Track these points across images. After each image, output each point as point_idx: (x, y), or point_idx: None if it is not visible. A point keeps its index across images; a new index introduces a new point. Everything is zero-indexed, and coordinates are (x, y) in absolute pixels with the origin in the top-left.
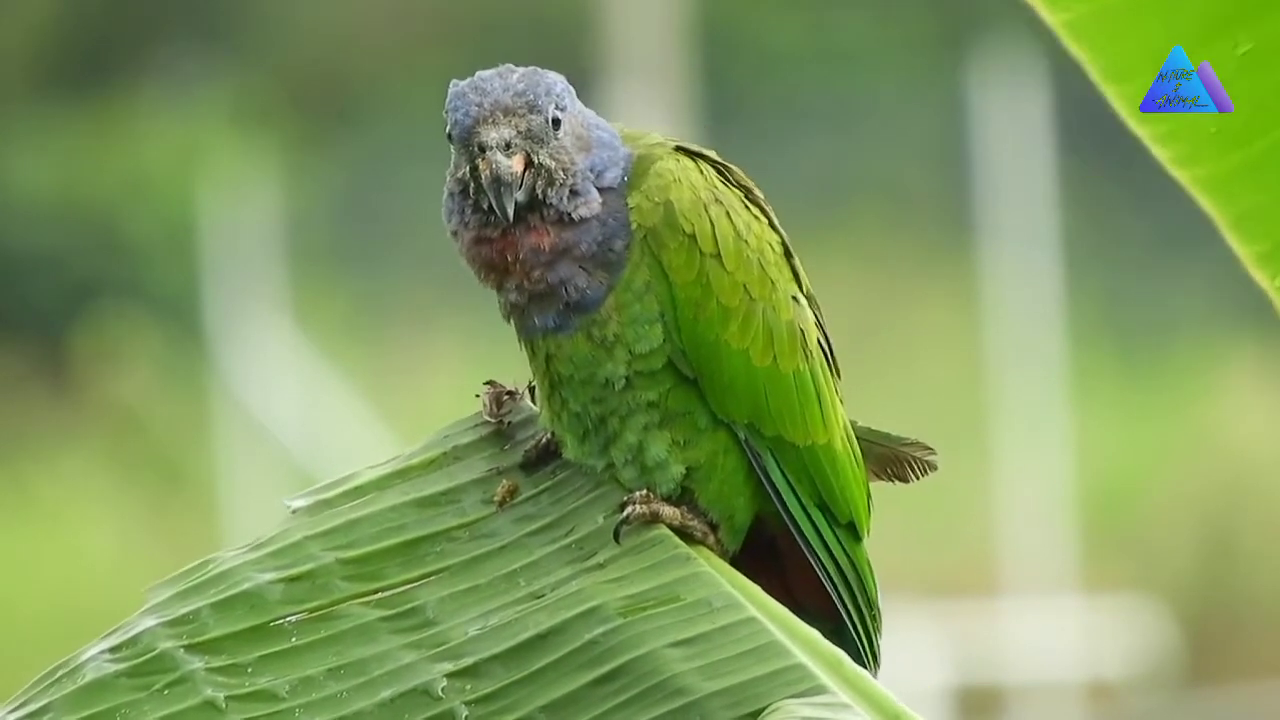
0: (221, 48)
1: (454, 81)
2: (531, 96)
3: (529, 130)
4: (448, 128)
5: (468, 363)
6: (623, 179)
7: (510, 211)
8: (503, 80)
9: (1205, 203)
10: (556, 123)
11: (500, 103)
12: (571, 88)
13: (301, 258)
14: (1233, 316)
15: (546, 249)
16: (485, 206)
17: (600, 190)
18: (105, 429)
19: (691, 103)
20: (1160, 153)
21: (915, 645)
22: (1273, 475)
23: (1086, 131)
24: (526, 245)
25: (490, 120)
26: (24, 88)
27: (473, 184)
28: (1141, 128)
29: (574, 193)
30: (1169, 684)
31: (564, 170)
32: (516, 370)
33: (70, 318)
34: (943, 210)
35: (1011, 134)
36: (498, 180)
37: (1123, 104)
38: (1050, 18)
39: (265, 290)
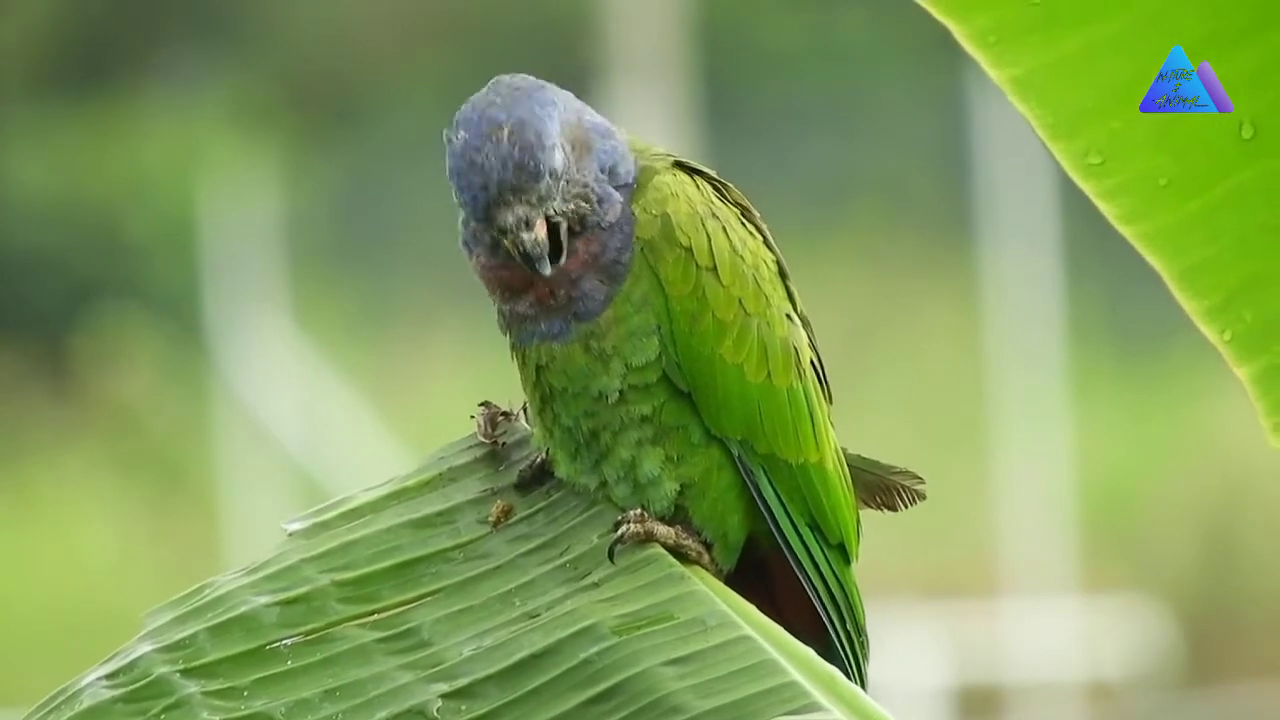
0: (221, 48)
1: (447, 137)
2: (531, 164)
3: (540, 196)
4: (459, 196)
5: (468, 362)
6: (632, 183)
7: (547, 271)
8: (496, 148)
9: (1152, 258)
10: (553, 173)
11: (505, 182)
12: (554, 89)
13: (301, 258)
14: None
15: (578, 266)
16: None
17: (616, 188)
18: (105, 429)
19: (691, 103)
20: (1108, 209)
21: (915, 645)
22: (1272, 476)
23: None
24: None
25: (501, 202)
26: (24, 88)
27: (501, 248)
28: (1088, 184)
29: (600, 201)
30: (1169, 684)
31: (584, 199)
32: (515, 369)
33: (70, 318)
34: (943, 210)
35: (1012, 134)
36: (527, 256)
37: (1069, 161)
38: (997, 74)
39: (265, 290)
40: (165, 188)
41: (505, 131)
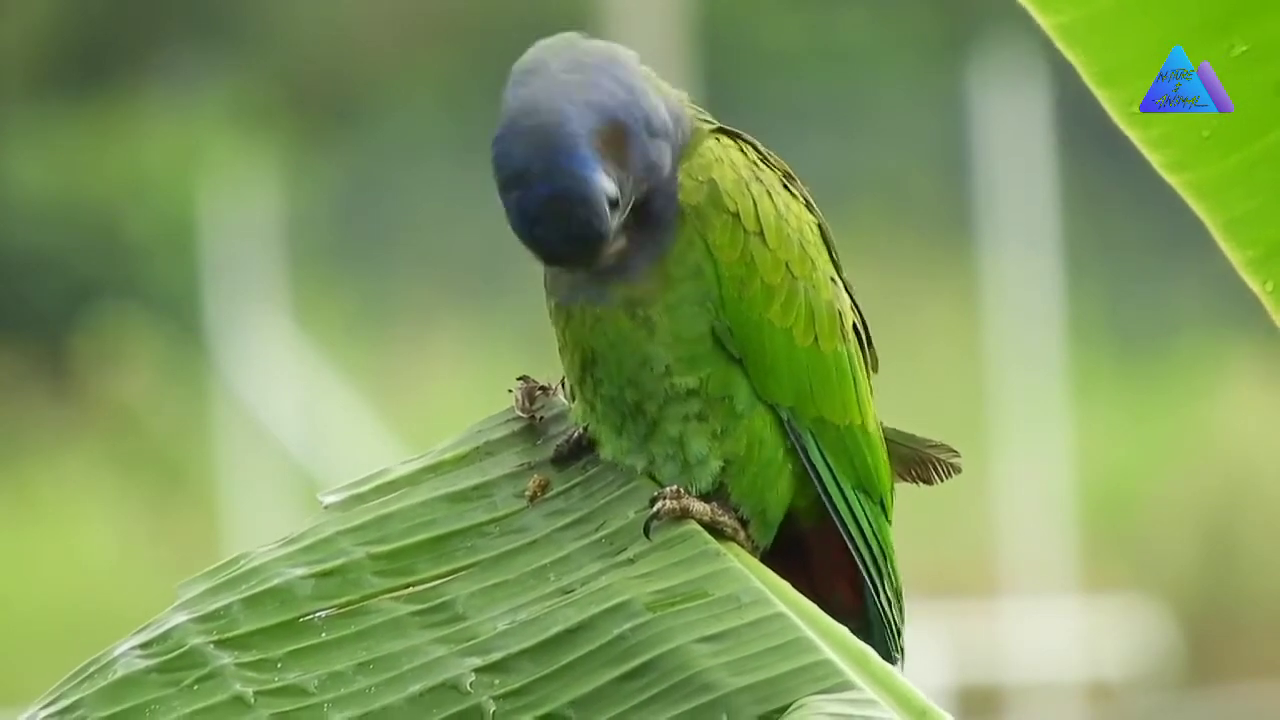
0: (221, 48)
1: (499, 185)
2: (592, 234)
3: (607, 244)
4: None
5: (468, 362)
6: (675, 132)
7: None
8: (555, 225)
9: (1197, 208)
10: (610, 220)
11: (572, 255)
12: (573, 91)
13: (301, 258)
14: (1233, 317)
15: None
16: None
17: (653, 138)
18: (105, 429)
19: (691, 102)
20: (1154, 157)
21: (915, 645)
22: (1273, 475)
23: (1086, 132)
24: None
25: (573, 265)
26: (24, 88)
27: None
28: (1134, 131)
29: (649, 171)
30: (1169, 684)
31: (638, 180)
32: (516, 369)
33: (70, 318)
34: (943, 210)
35: (1012, 134)
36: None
37: (1116, 108)
38: (1044, 20)
39: (265, 290)
40: (165, 188)
41: (555, 207)
